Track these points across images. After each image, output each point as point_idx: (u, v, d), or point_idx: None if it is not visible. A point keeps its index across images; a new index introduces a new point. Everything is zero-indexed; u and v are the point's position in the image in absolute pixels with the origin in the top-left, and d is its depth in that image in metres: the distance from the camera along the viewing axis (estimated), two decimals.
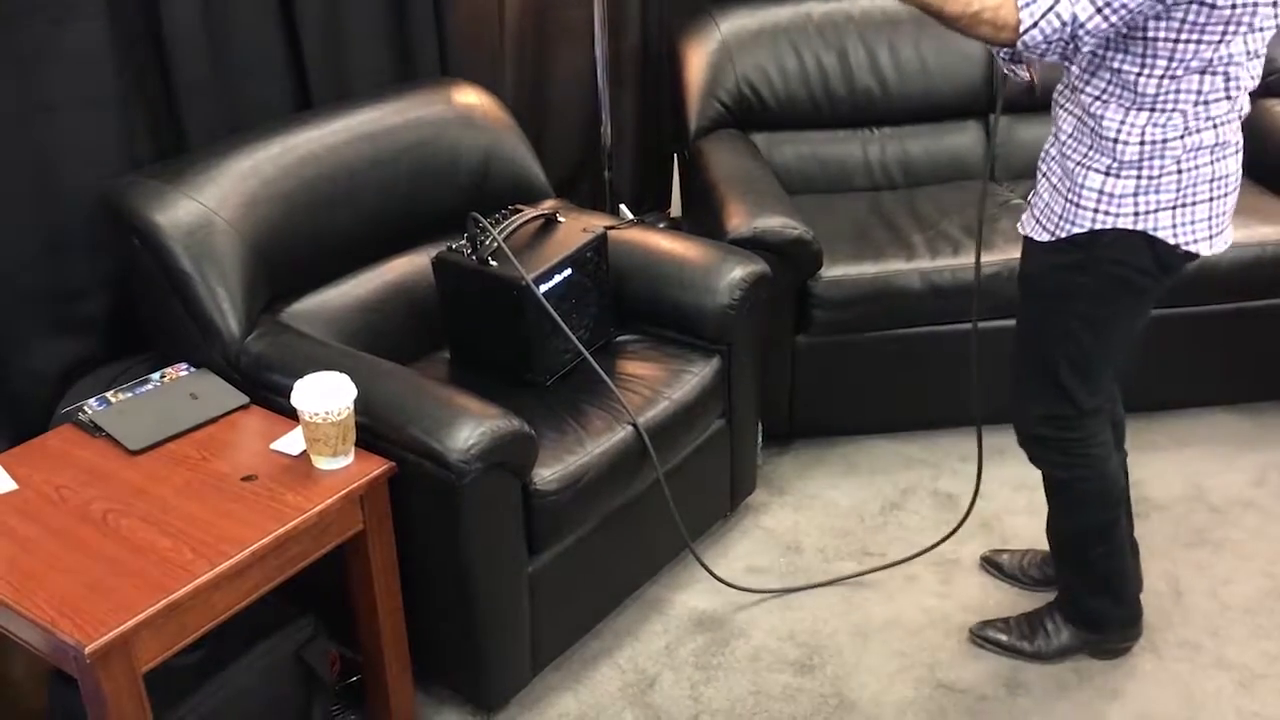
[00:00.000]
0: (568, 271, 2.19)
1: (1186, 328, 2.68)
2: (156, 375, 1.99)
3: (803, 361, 2.65)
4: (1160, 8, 1.59)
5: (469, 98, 2.48)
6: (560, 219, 2.32)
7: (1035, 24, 1.61)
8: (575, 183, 3.11)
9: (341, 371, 1.81)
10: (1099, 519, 2.01)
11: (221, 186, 2.07)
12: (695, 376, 2.26)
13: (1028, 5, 1.61)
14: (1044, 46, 1.63)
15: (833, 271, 2.58)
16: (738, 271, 2.30)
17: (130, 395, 1.94)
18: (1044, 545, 2.16)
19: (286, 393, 1.78)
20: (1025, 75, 1.79)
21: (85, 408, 1.90)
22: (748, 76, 2.98)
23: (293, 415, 1.80)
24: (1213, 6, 1.59)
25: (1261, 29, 1.64)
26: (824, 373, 2.67)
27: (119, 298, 2.15)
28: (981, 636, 2.18)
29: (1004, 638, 2.16)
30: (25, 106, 1.95)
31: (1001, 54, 1.73)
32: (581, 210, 2.56)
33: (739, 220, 2.51)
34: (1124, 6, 1.58)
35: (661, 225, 3.31)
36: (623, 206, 2.88)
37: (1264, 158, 2.90)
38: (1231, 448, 2.73)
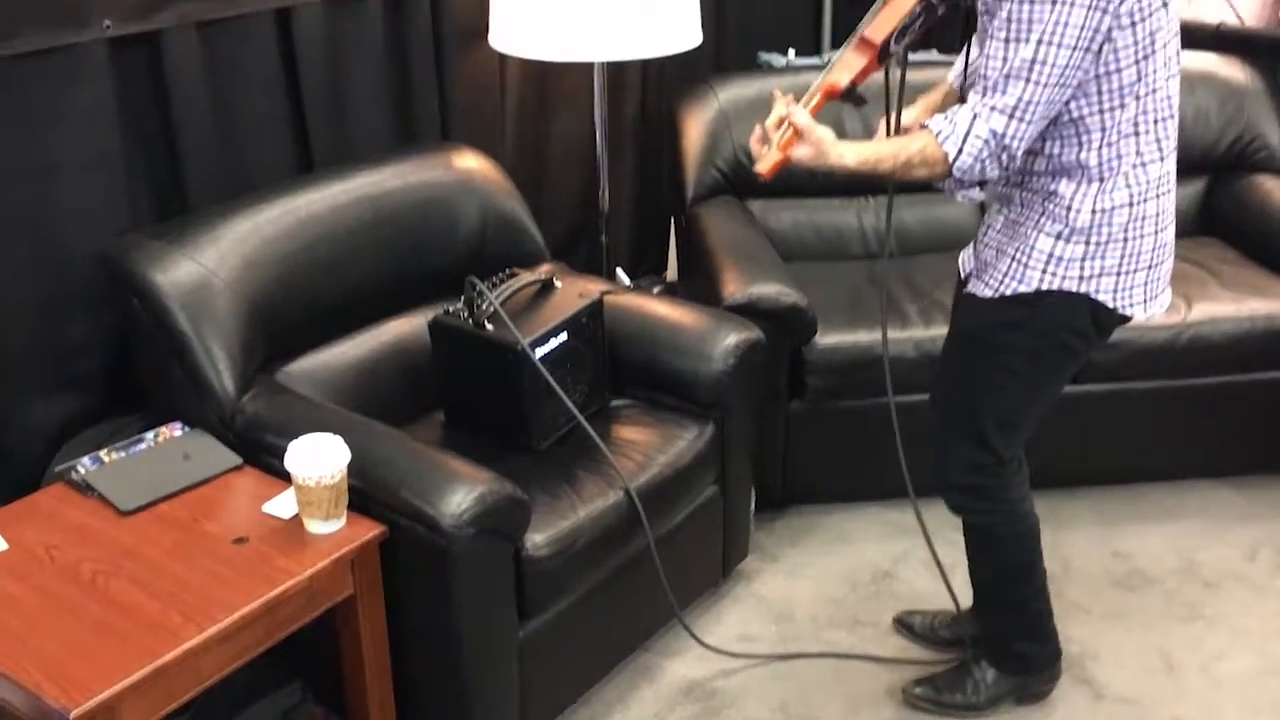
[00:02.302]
0: (563, 336, 2.21)
1: (1176, 400, 2.69)
2: (150, 434, 1.99)
3: (796, 428, 2.65)
4: (1070, 91, 1.68)
5: (468, 162, 2.51)
6: (557, 284, 2.33)
7: (960, 150, 1.69)
8: (573, 246, 3.13)
9: (335, 434, 1.81)
10: (1020, 560, 2.08)
11: (221, 247, 2.09)
12: (689, 442, 2.26)
13: (949, 137, 1.69)
14: (979, 167, 1.70)
15: (827, 339, 2.59)
16: (732, 338, 2.31)
17: (123, 454, 1.94)
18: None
19: (280, 454, 1.78)
20: (977, 194, 1.86)
21: (78, 466, 1.90)
22: (745, 145, 2.99)
23: (286, 476, 1.80)
24: (1118, 70, 1.68)
25: (1159, 86, 1.73)
26: (817, 439, 2.68)
27: (116, 355, 2.16)
28: (915, 696, 2.21)
29: (934, 694, 2.19)
30: (29, 165, 1.97)
31: (948, 184, 1.78)
32: (578, 275, 2.58)
33: (734, 287, 2.53)
34: (1034, 104, 1.66)
35: (658, 289, 3.34)
36: (619, 271, 2.90)
37: (1252, 232, 2.95)
38: (1222, 521, 2.73)
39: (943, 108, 1.94)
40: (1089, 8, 1.60)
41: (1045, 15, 1.61)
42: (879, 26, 1.72)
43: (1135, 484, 2.82)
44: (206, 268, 2.04)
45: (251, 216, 2.16)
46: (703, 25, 2.64)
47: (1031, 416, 1.97)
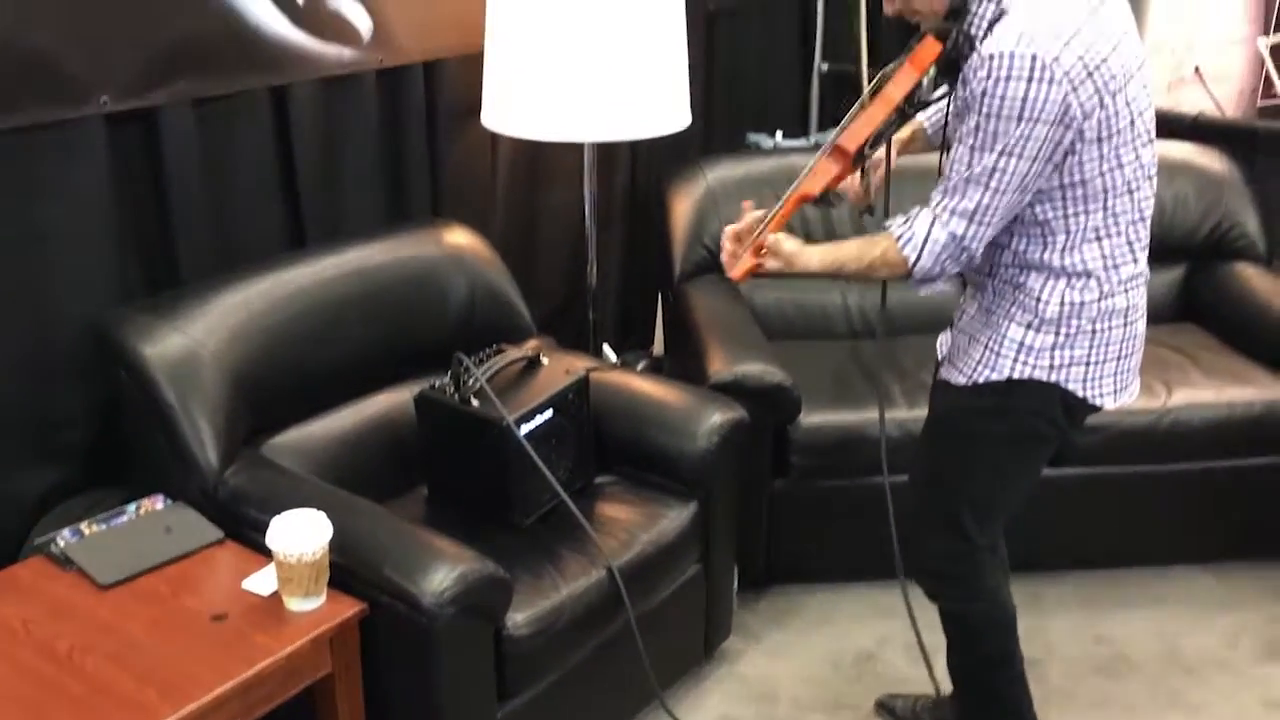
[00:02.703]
0: (549, 413, 2.21)
1: (1157, 486, 2.70)
2: (132, 506, 1.99)
3: (780, 507, 2.66)
4: (1030, 195, 1.73)
5: (457, 238, 2.54)
6: (543, 360, 2.35)
7: (920, 254, 1.74)
8: (561, 319, 3.15)
9: (317, 509, 1.81)
10: (998, 647, 2.07)
11: (210, 320, 2.10)
12: (672, 521, 2.26)
13: (908, 241, 1.75)
14: (939, 269, 1.76)
15: (811, 418, 2.61)
16: (717, 417, 2.32)
17: (104, 527, 1.93)
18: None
19: (262, 528, 1.78)
20: (943, 287, 1.88)
21: (58, 539, 1.89)
22: (733, 224, 3.04)
23: (267, 551, 1.80)
24: (1083, 181, 1.73)
25: (1135, 190, 1.77)
26: (801, 518, 2.68)
27: (100, 427, 2.15)
28: None
29: None
30: (21, 236, 1.99)
31: (910, 284, 1.83)
32: (565, 351, 2.59)
33: (720, 365, 2.55)
34: (994, 209, 1.71)
35: (644, 363, 3.35)
36: (606, 347, 2.92)
37: (1231, 319, 2.99)
38: (1203, 608, 2.73)
39: (909, 146, 2.03)
40: (1053, 124, 1.65)
41: (1011, 130, 1.65)
42: (853, 135, 1.77)
43: (1117, 568, 2.82)
44: (194, 340, 2.05)
45: (241, 290, 2.17)
46: (692, 106, 2.68)
47: (1006, 503, 1.99)
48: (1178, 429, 2.65)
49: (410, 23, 2.50)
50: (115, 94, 2.02)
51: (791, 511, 2.67)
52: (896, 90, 1.74)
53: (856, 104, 1.80)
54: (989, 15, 1.70)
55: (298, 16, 2.27)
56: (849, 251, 1.81)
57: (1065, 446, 1.98)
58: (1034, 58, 1.61)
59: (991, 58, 1.63)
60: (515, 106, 2.52)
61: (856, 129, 1.76)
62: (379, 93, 2.54)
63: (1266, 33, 4.39)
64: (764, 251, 1.79)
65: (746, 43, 3.59)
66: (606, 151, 3.05)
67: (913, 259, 1.74)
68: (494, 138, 2.78)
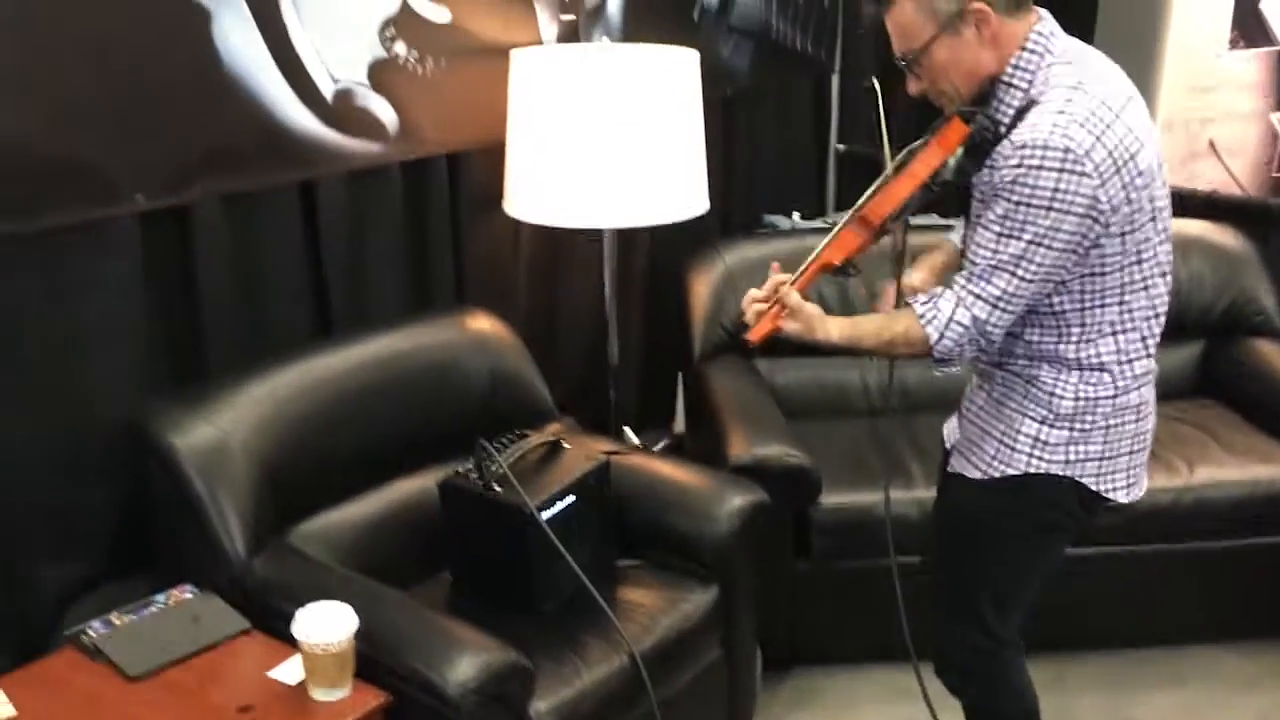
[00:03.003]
0: (571, 499, 2.24)
1: (1180, 564, 2.70)
2: (161, 596, 2.02)
3: (802, 588, 2.66)
4: (1053, 285, 1.73)
5: (480, 324, 2.58)
6: (565, 445, 2.38)
7: (942, 335, 1.75)
8: (582, 400, 3.18)
9: (343, 600, 1.83)
10: None
11: (238, 410, 2.14)
12: (694, 605, 2.27)
13: (930, 321, 1.76)
14: (958, 350, 1.76)
15: (832, 499, 2.62)
16: (737, 500, 2.34)
17: (134, 617, 1.96)
18: None
19: (288, 618, 1.80)
20: (957, 369, 1.89)
21: (89, 629, 1.92)
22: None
23: (293, 641, 1.82)
24: (1103, 274, 1.73)
25: (1151, 286, 1.78)
26: (824, 599, 2.68)
27: (129, 516, 2.19)
28: None
29: None
30: (54, 331, 2.04)
31: (929, 363, 1.84)
32: (586, 434, 2.62)
33: (740, 448, 2.57)
34: (1018, 297, 1.72)
35: (664, 442, 3.38)
36: (627, 429, 2.95)
37: (1251, 396, 2.99)
38: (1230, 687, 2.70)
39: (943, 272, 2.01)
40: (1081, 216, 1.66)
41: (1040, 220, 1.66)
42: (877, 207, 1.79)
43: (1141, 648, 2.80)
44: (223, 431, 2.09)
45: (269, 380, 2.22)
46: (709, 188, 2.73)
47: (1027, 595, 1.99)
48: (1200, 507, 2.65)
49: (435, 116, 2.58)
50: (149, 193, 2.08)
51: (814, 593, 2.67)
52: (922, 168, 1.76)
53: (880, 178, 1.81)
54: (1017, 103, 1.73)
55: (326, 114, 2.34)
56: (870, 325, 1.83)
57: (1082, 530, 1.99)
58: (1066, 150, 1.63)
59: (1024, 147, 1.65)
60: (537, 195, 2.58)
61: (881, 201, 1.78)
62: (404, 183, 2.60)
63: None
64: (784, 314, 1.79)
65: (763, 125, 3.66)
66: (626, 236, 3.11)
67: (934, 338, 1.75)
68: (516, 224, 2.84)
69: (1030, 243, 1.67)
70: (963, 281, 1.75)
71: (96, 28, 1.95)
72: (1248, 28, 4.19)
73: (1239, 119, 4.36)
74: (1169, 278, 1.83)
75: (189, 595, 2.03)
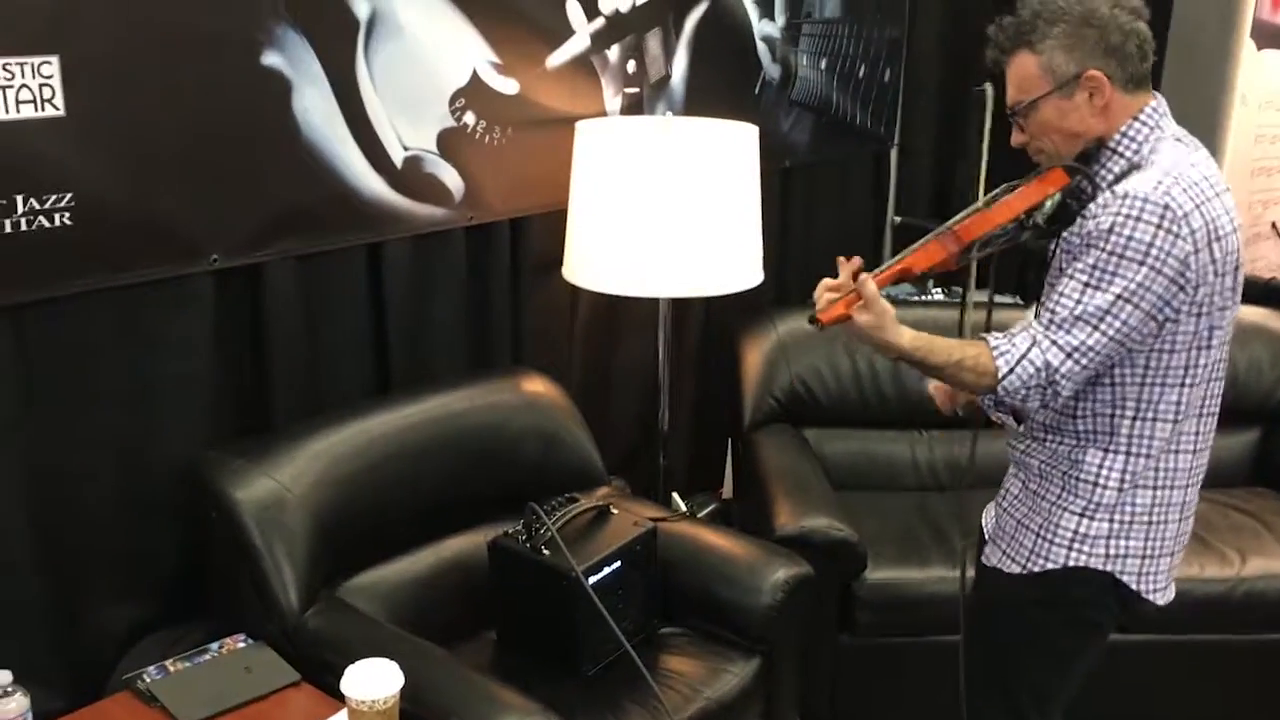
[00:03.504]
0: (617, 564, 2.27)
1: (1230, 655, 2.66)
2: (215, 645, 2.07)
3: (846, 662, 2.66)
4: (1124, 353, 1.72)
5: (535, 386, 2.63)
6: (613, 510, 2.41)
7: (1012, 370, 1.71)
8: (632, 463, 3.22)
9: (391, 657, 1.86)
10: None
11: (298, 465, 2.20)
12: (735, 677, 2.28)
13: (1004, 354, 1.72)
14: (1023, 391, 1.72)
15: (877, 574, 2.63)
16: (782, 573, 2.35)
17: (188, 664, 2.01)
18: None
19: (337, 672, 1.83)
20: (1010, 419, 1.89)
21: (145, 675, 1.97)
22: (801, 375, 3.12)
23: (340, 695, 1.85)
24: (1171, 352, 1.72)
25: (1213, 378, 1.78)
26: (867, 675, 2.68)
27: (187, 563, 2.25)
28: None
29: None
30: (127, 381, 2.11)
31: (986, 400, 1.82)
32: (634, 499, 2.65)
33: (786, 518, 2.59)
34: (1095, 352, 1.69)
35: (713, 506, 3.39)
36: (675, 496, 2.97)
37: None
38: None
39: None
40: (1171, 281, 1.65)
41: (1130, 274, 1.65)
42: (972, 227, 1.78)
43: None
44: (282, 485, 2.15)
45: (328, 435, 2.28)
46: (765, 256, 2.77)
47: (1068, 690, 1.96)
48: (1253, 599, 2.62)
49: (499, 183, 2.65)
50: (225, 253, 2.16)
51: (857, 668, 2.67)
52: (1020, 201, 1.77)
53: (972, 206, 1.81)
54: (1118, 170, 1.75)
55: (396, 180, 2.42)
56: (942, 343, 1.77)
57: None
58: (1167, 207, 1.64)
59: (1125, 196, 1.65)
60: (595, 261, 2.64)
61: (976, 222, 1.78)
62: (467, 247, 2.67)
63: None
64: (859, 304, 1.74)
65: (821, 196, 3.70)
66: (681, 303, 3.15)
67: (1004, 371, 1.71)
68: (574, 289, 2.90)
69: (1118, 297, 1.66)
70: (1041, 326, 1.72)
71: (184, 93, 2.04)
72: None
73: None
74: (1223, 381, 1.82)
75: (242, 645, 2.08)
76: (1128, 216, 1.65)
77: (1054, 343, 1.70)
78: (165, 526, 2.21)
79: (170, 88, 2.02)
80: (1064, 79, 1.74)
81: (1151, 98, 1.78)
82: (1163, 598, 1.86)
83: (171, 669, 2.00)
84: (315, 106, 2.23)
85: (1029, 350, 1.71)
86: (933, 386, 2.05)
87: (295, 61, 2.18)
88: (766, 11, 3.30)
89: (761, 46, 3.32)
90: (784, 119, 3.47)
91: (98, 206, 1.96)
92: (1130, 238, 1.65)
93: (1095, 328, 1.68)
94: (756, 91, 3.35)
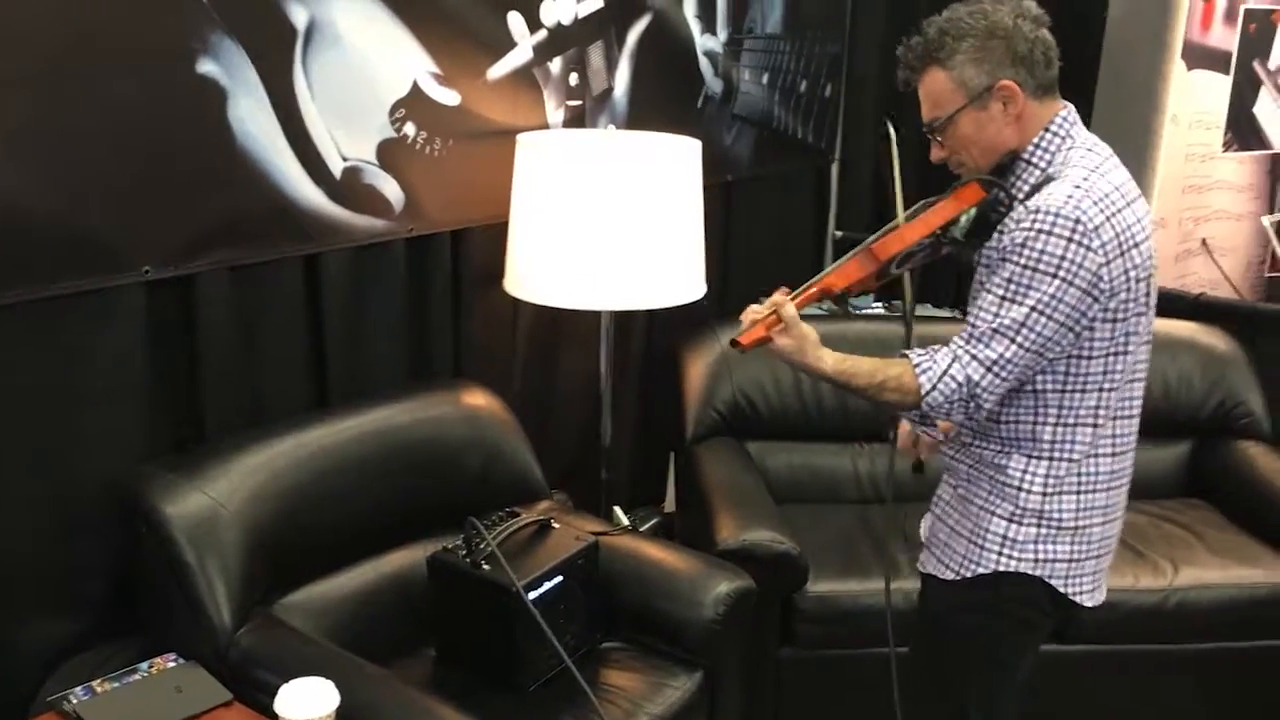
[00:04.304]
0: (558, 579, 2.25)
1: (1165, 665, 2.70)
2: (145, 665, 2.02)
3: (788, 675, 2.66)
4: (1044, 362, 1.76)
5: (476, 399, 2.61)
6: (554, 525, 2.39)
7: (934, 387, 1.75)
8: (573, 477, 3.20)
9: (326, 675, 1.83)
10: None
11: (232, 479, 2.16)
12: (677, 691, 2.27)
13: (926, 371, 1.76)
14: (946, 407, 1.76)
15: (818, 587, 2.63)
16: (724, 586, 2.35)
17: (116, 685, 1.96)
18: None
19: (270, 691, 1.80)
20: (936, 434, 1.91)
21: (70, 696, 1.91)
22: (744, 388, 3.13)
23: (274, 715, 1.82)
24: (1089, 358, 1.77)
25: (1134, 380, 1.82)
26: (809, 687, 2.68)
27: (117, 581, 2.20)
28: None
29: None
30: (54, 395, 2.06)
31: (911, 415, 1.85)
32: (576, 514, 2.64)
33: (728, 532, 2.59)
34: (1014, 364, 1.73)
35: (655, 519, 3.39)
36: (617, 510, 2.96)
37: (1237, 498, 3.01)
38: None
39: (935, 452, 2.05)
40: (1084, 292, 1.70)
41: (1043, 287, 1.69)
42: (888, 245, 1.81)
43: None
44: (216, 500, 2.11)
45: (263, 449, 2.24)
46: (707, 269, 2.78)
47: (1014, 693, 1.98)
48: (1185, 609, 2.66)
49: (440, 195, 2.63)
50: (158, 264, 2.12)
51: (800, 681, 2.67)
52: (936, 217, 1.80)
53: (891, 223, 1.84)
54: (1033, 180, 1.78)
55: (335, 191, 2.39)
56: (865, 364, 1.81)
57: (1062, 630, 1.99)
58: (1078, 220, 1.67)
59: (1037, 211, 1.69)
60: (537, 274, 2.62)
61: (891, 240, 1.80)
62: (407, 258, 2.64)
63: (1271, 211, 4.52)
64: (779, 326, 1.78)
65: (763, 210, 3.72)
66: (623, 316, 3.15)
67: (926, 389, 1.75)
68: (515, 302, 2.88)
69: (1032, 309, 1.70)
70: (962, 341, 1.77)
71: (115, 102, 2.00)
72: (1241, 131, 4.29)
73: (1231, 219, 4.44)
74: (1143, 384, 1.86)
75: (173, 664, 2.03)
76: (1040, 231, 1.68)
77: (974, 357, 1.74)
78: (95, 543, 2.16)
79: (100, 96, 1.98)
80: (977, 91, 1.78)
81: (1061, 106, 1.82)
82: (1090, 600, 1.90)
83: (99, 690, 1.95)
84: (251, 116, 2.20)
85: (950, 366, 1.75)
86: (901, 442, 2.07)
87: (231, 70, 2.15)
88: (709, 26, 3.31)
89: (704, 61, 3.33)
90: (726, 133, 3.48)
91: (21, 216, 1.91)
92: (1043, 252, 1.68)
93: (1013, 340, 1.72)
94: (699, 106, 3.36)
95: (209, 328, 2.27)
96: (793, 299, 1.81)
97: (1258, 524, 2.89)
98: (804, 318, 1.80)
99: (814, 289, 1.83)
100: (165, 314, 2.21)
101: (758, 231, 3.70)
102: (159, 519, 2.06)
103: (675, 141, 2.73)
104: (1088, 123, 1.87)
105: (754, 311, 1.83)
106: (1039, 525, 1.84)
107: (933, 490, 2.77)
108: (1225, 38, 4.13)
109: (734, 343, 1.82)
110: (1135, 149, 3.84)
